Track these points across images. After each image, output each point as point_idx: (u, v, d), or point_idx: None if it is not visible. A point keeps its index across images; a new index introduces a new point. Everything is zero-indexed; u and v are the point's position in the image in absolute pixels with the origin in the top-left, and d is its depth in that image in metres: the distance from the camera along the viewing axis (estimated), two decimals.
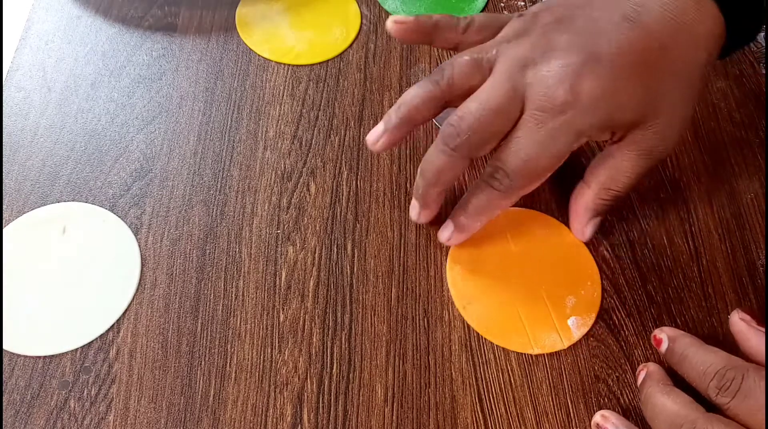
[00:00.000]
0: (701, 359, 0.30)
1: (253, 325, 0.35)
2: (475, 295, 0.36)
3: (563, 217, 0.39)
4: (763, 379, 0.27)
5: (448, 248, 0.37)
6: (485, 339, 0.35)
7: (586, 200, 0.36)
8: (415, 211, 0.37)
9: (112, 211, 0.38)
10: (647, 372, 0.32)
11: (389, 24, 0.37)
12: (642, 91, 0.32)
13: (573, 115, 0.32)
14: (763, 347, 0.30)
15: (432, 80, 0.34)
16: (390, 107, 0.43)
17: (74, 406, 0.32)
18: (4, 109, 0.41)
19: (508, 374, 0.34)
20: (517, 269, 0.37)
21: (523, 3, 0.49)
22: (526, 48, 0.33)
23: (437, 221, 0.38)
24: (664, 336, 0.32)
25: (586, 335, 0.35)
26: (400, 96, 0.35)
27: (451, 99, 0.34)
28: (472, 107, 0.32)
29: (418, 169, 0.35)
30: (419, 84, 0.35)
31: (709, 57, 0.33)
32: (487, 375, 0.34)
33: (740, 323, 0.31)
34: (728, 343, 0.32)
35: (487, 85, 0.33)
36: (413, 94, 0.34)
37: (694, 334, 0.35)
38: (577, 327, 0.35)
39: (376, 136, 0.36)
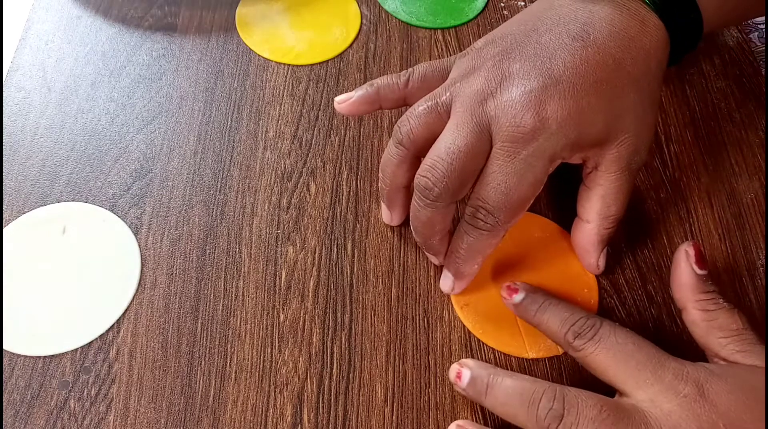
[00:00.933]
0: (564, 307, 0.31)
1: (253, 325, 0.35)
2: (473, 296, 0.36)
3: (561, 219, 0.39)
4: (616, 334, 0.29)
5: None
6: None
7: (590, 235, 0.35)
8: (434, 259, 0.36)
9: (112, 211, 0.38)
10: (470, 367, 0.30)
11: (336, 106, 0.37)
12: (606, 106, 0.32)
13: (544, 140, 0.31)
14: (689, 280, 0.30)
15: (395, 143, 0.34)
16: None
17: (74, 406, 0.32)
18: (4, 109, 0.41)
19: None
20: (515, 271, 0.37)
21: (523, 3, 0.49)
22: (480, 82, 0.32)
23: None
24: (521, 286, 0.33)
25: None
26: None
27: (421, 152, 0.33)
28: (441, 152, 0.32)
29: (411, 227, 0.35)
30: (387, 151, 0.34)
31: (660, 65, 0.34)
32: None
33: (682, 253, 0.31)
34: None
35: (450, 127, 0.32)
36: (385, 164, 0.34)
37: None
38: None
39: (387, 216, 0.37)
